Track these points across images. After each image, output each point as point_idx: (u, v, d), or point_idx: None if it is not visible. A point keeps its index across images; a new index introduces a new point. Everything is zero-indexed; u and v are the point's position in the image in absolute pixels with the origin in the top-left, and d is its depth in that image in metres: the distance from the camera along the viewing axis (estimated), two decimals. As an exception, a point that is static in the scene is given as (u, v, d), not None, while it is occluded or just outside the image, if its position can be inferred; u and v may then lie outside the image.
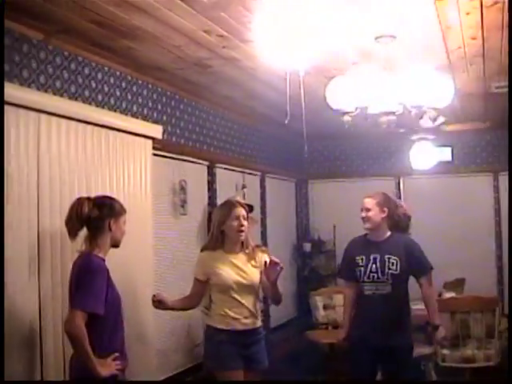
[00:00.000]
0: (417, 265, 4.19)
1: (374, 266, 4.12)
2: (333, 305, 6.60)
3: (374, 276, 4.12)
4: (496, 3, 3.43)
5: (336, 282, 7.75)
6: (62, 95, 3.90)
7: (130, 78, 4.71)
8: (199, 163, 5.95)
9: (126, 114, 4.62)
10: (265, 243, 7.20)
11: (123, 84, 4.63)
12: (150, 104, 5.02)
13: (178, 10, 3.41)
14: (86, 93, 4.17)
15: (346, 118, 3.90)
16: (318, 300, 6.71)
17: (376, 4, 3.40)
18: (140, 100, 4.86)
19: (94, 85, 4.26)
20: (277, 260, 3.79)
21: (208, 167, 6.13)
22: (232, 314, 3.91)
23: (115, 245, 3.29)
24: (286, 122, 3.57)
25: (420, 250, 4.24)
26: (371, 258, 4.14)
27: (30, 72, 3.63)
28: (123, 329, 3.30)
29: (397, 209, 4.31)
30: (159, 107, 5.16)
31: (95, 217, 3.17)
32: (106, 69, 4.40)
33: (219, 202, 5.91)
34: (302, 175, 8.87)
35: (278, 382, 5.37)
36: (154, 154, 4.86)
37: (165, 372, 5.10)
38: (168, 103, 5.32)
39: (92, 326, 2.99)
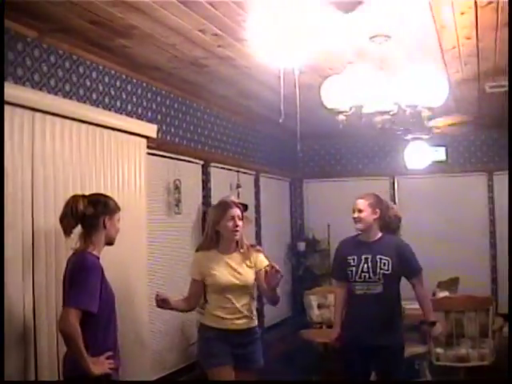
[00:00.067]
0: (408, 266, 4.23)
1: (365, 265, 4.15)
2: (327, 304, 6.59)
3: (365, 276, 4.14)
4: (490, 3, 3.45)
5: (330, 281, 7.73)
6: (56, 94, 3.90)
7: (124, 76, 4.71)
8: (194, 162, 5.95)
9: (121, 113, 4.61)
10: (259, 242, 7.20)
11: (118, 83, 4.62)
12: (145, 103, 5.01)
13: (173, 9, 3.41)
14: (81, 91, 4.17)
15: (341, 117, 3.91)
16: (313, 299, 6.71)
17: (371, 4, 3.40)
18: (135, 99, 4.85)
19: (88, 83, 4.25)
20: (277, 268, 3.79)
21: (202, 166, 6.13)
22: (225, 315, 3.91)
23: (109, 242, 3.29)
24: (281, 120, 3.57)
25: (411, 252, 4.28)
26: (363, 258, 4.17)
27: (24, 70, 3.63)
28: (116, 327, 3.30)
29: (388, 210, 4.34)
30: (154, 106, 5.16)
31: (90, 214, 3.16)
32: (100, 67, 4.40)
33: (214, 201, 5.92)
34: (297, 174, 8.88)
35: (272, 381, 5.36)
36: (149, 153, 4.86)
37: (159, 371, 5.09)
38: (163, 102, 5.32)
39: (86, 324, 2.98)
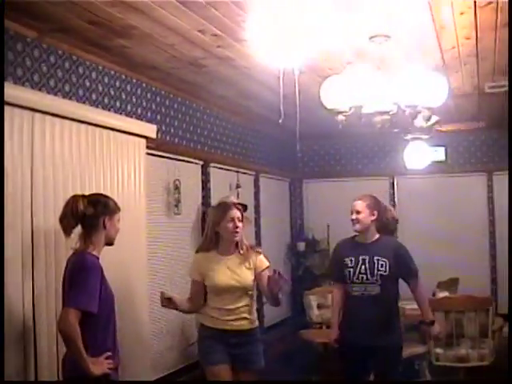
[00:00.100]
0: (406, 268, 4.26)
1: (363, 267, 4.16)
2: (327, 304, 6.58)
3: (363, 277, 4.16)
4: (490, 3, 3.44)
5: (330, 281, 7.75)
6: (56, 94, 3.89)
7: (124, 77, 4.71)
8: (193, 162, 5.95)
9: (120, 113, 4.61)
10: (259, 243, 7.20)
11: (117, 83, 4.62)
12: (144, 103, 5.01)
13: (172, 9, 3.41)
14: (80, 92, 4.17)
15: (340, 117, 3.90)
16: (312, 299, 6.71)
17: (370, 4, 3.40)
18: (134, 99, 4.85)
19: (88, 84, 4.25)
20: (281, 273, 3.81)
21: (202, 167, 6.13)
22: (222, 316, 3.92)
23: (109, 243, 3.29)
24: (280, 121, 3.57)
25: (408, 254, 4.31)
26: (360, 259, 4.18)
27: (24, 70, 3.63)
28: (116, 327, 3.30)
29: (386, 212, 4.36)
30: (153, 106, 5.16)
31: (90, 214, 3.16)
32: (100, 68, 4.40)
33: (213, 201, 5.92)
34: (297, 175, 8.88)
35: (272, 381, 5.36)
36: (148, 154, 4.86)
37: (159, 371, 5.09)
38: (162, 102, 5.31)
39: (85, 325, 2.99)
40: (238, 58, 4.42)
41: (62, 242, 3.52)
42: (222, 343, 3.90)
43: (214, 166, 6.33)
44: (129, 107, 4.76)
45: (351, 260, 4.21)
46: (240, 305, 3.94)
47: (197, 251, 4.18)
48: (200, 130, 6.03)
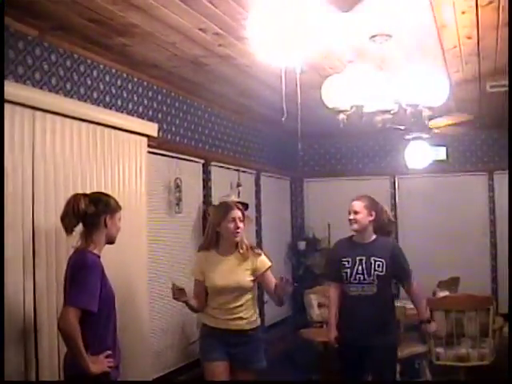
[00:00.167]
0: (401, 268, 4.29)
1: (360, 267, 4.18)
2: (327, 303, 6.59)
3: (360, 277, 4.17)
4: (491, 2, 3.44)
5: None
6: (57, 92, 3.89)
7: (125, 75, 4.71)
8: (194, 161, 5.95)
9: (122, 112, 4.61)
10: (260, 242, 7.21)
11: (119, 82, 4.62)
12: (146, 102, 5.01)
13: (173, 8, 3.41)
14: (82, 90, 4.17)
15: (341, 116, 3.90)
16: (313, 298, 6.71)
17: (371, 3, 3.40)
18: (135, 98, 4.85)
19: (89, 82, 4.25)
20: (289, 279, 3.90)
21: (203, 165, 6.13)
22: (220, 315, 3.95)
23: (110, 241, 3.29)
24: (283, 119, 3.57)
25: (403, 254, 4.35)
26: (357, 259, 4.20)
27: (25, 69, 3.63)
28: (116, 325, 3.30)
29: (382, 213, 4.38)
30: (155, 105, 5.16)
31: (91, 213, 3.16)
32: (101, 66, 4.40)
33: (214, 200, 5.93)
34: (297, 173, 8.88)
35: (272, 381, 5.36)
36: (150, 152, 4.86)
37: (159, 370, 5.10)
38: (163, 101, 5.32)
39: (86, 323, 2.99)
40: (239, 56, 4.42)
41: (63, 240, 3.53)
42: (222, 342, 3.92)
43: (215, 165, 6.33)
44: (130, 106, 4.76)
45: (348, 261, 4.23)
46: (238, 304, 3.95)
47: (198, 250, 4.21)
48: (201, 129, 6.03)
